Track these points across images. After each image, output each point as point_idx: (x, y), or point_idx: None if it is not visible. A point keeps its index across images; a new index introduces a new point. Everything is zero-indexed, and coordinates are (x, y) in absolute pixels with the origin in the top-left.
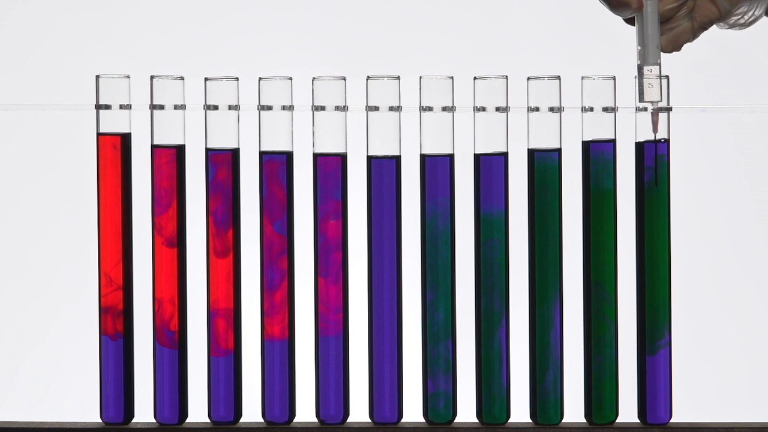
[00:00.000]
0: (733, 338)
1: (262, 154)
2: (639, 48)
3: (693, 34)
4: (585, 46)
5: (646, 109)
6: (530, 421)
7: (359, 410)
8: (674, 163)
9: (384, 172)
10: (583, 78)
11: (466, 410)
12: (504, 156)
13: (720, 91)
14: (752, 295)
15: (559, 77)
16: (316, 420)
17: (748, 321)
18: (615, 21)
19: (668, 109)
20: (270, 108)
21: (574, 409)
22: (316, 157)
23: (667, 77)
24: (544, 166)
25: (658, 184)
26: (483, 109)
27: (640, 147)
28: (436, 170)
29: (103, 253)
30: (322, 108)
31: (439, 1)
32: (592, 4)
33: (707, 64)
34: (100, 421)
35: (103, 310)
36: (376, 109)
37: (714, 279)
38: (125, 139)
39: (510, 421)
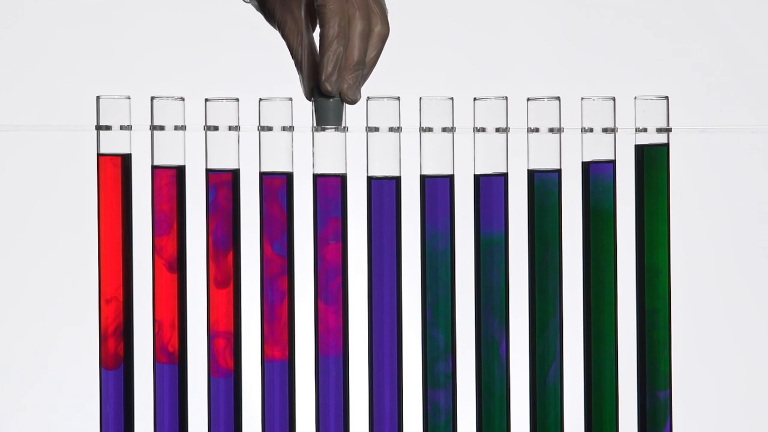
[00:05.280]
0: (733, 340)
1: (262, 174)
2: None
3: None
4: (585, 67)
5: (646, 130)
6: None
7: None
8: (674, 164)
9: (384, 192)
10: (582, 99)
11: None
12: (504, 176)
13: (721, 106)
14: (754, 298)
15: (558, 98)
16: None
17: (749, 325)
18: (616, 41)
19: (668, 130)
20: (270, 129)
21: (574, 427)
22: (316, 177)
23: (666, 98)
24: (544, 186)
25: None
26: (483, 129)
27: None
28: (436, 191)
29: (103, 275)
30: (323, 129)
31: (439, 17)
32: (593, 25)
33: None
34: None
35: (103, 332)
36: (376, 129)
37: (716, 281)
38: (126, 159)
39: None
